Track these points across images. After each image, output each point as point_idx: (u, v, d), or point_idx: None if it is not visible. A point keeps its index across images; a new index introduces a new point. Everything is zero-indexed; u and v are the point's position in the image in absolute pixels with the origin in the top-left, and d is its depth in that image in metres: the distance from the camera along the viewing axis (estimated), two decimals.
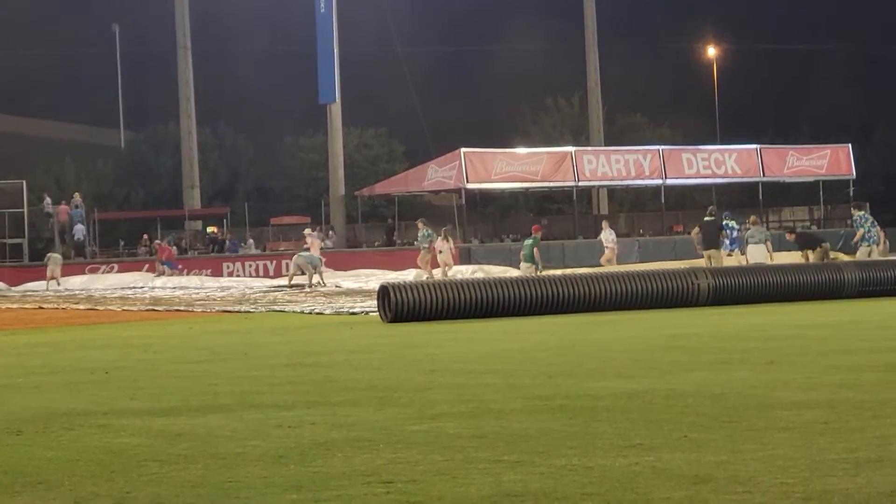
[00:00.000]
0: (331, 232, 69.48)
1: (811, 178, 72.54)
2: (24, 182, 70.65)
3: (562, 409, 13.28)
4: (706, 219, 49.79)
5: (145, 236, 68.28)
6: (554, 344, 22.27)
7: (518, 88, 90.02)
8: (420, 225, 57.78)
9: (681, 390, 14.68)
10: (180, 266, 61.72)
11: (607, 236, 50.95)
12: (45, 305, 48.14)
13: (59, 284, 58.26)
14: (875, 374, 15.62)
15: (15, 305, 50.52)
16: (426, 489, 8.88)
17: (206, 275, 59.83)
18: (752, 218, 53.85)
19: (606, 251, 50.66)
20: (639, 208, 75.12)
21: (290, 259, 54.44)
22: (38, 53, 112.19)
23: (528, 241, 50.36)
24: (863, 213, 50.70)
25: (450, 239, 55.82)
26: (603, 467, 9.53)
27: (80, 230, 68.65)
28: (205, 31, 79.37)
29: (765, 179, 71.84)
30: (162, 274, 61.06)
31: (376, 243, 72.10)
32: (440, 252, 54.85)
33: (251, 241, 67.85)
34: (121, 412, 14.47)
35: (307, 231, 62.69)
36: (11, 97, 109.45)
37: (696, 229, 50.43)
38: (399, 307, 28.85)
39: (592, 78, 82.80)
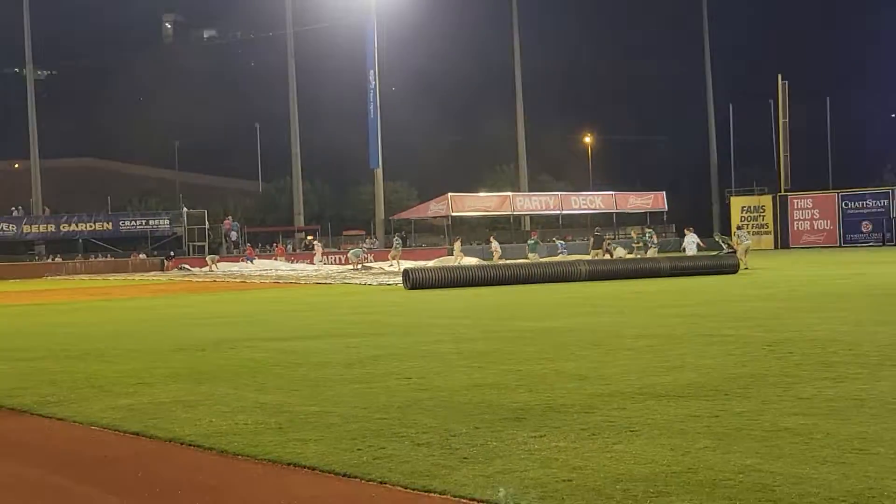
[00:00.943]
0: (374, 239, 68.37)
1: (642, 211, 71.76)
2: (206, 211, 69.23)
3: (505, 337, 13.79)
4: (596, 233, 50.36)
5: (275, 244, 67.01)
6: (502, 301, 22.38)
7: (483, 157, 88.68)
8: (396, 236, 56.47)
9: (570, 327, 14.95)
10: (254, 259, 59.71)
11: (495, 245, 48.97)
12: (217, 279, 47.34)
13: (213, 270, 56.49)
14: (678, 319, 15.59)
15: (198, 280, 49.53)
16: (430, 382, 9.71)
17: (307, 263, 58.27)
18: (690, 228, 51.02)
19: (495, 254, 48.69)
20: (547, 227, 73.82)
21: (351, 252, 52.72)
22: (216, 126, 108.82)
23: (531, 242, 48.86)
24: (651, 230, 51.07)
25: (495, 243, 52.75)
26: (528, 370, 10.27)
27: (233, 234, 67.46)
28: (304, 110, 77.15)
29: (617, 211, 71.02)
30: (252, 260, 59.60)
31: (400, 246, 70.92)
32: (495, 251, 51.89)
33: (316, 242, 65.93)
34: (258, 339, 14.81)
35: (311, 238, 61.38)
36: (199, 160, 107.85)
37: (591, 239, 50.02)
38: (415, 281, 29.17)
39: (522, 155, 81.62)
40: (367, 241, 59.36)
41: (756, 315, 15.91)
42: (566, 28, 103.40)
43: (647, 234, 47.81)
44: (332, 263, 54.34)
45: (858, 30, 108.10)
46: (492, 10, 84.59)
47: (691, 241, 39.72)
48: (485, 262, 43.36)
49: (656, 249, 46.31)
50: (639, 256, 43.39)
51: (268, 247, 66.27)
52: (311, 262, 53.86)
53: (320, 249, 56.23)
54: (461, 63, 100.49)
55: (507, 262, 42.35)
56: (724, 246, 43.99)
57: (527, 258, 44.92)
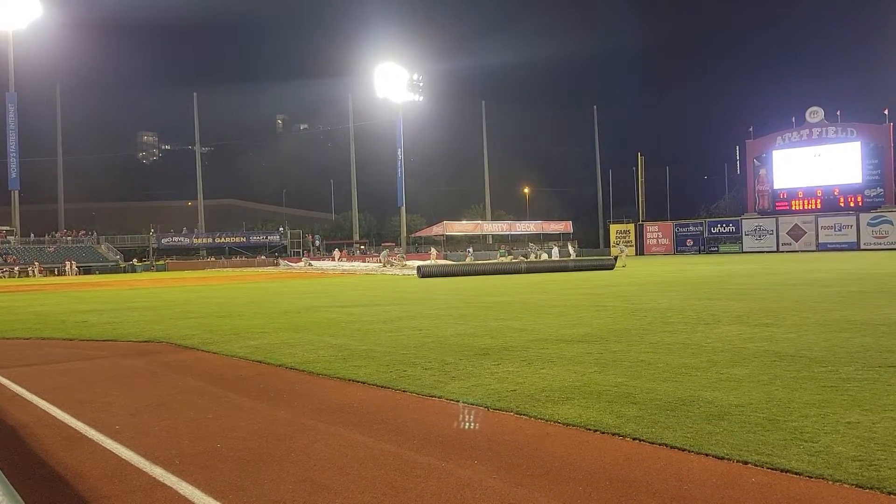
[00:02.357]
0: (398, 249, 67.92)
1: (560, 231, 71.48)
2: (301, 231, 69.22)
3: (478, 306, 13.30)
4: (512, 249, 50.06)
5: (342, 250, 66.22)
6: (476, 285, 21.28)
7: (465, 199, 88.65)
8: (386, 245, 55.49)
9: (515, 300, 14.30)
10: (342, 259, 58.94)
11: (434, 252, 46.31)
12: (306, 270, 46.43)
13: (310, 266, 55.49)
14: (578, 296, 14.17)
15: (295, 270, 48.73)
16: (432, 332, 9.48)
17: (359, 262, 57.26)
18: (560, 243, 49.84)
19: (433, 257, 46.20)
20: (504, 242, 73.47)
21: (382, 255, 51.09)
22: (311, 178, 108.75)
23: (502, 251, 47.60)
24: (539, 245, 50.70)
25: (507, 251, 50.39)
26: (491, 326, 10.01)
27: (317, 242, 66.68)
28: (359, 170, 76.19)
29: (544, 232, 70.77)
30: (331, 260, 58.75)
31: (406, 252, 70.40)
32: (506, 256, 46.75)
33: (336, 251, 64.22)
34: (331, 306, 14.46)
35: (337, 250, 57.06)
36: (297, 200, 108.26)
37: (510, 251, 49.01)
38: (424, 272, 28.56)
39: (487, 198, 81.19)
40: (394, 249, 57.65)
41: (624, 294, 15.68)
42: (512, 126, 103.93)
43: (547, 246, 47.43)
44: (368, 262, 52.69)
45: (687, 122, 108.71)
46: (470, 112, 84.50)
47: (556, 251, 39.92)
48: (430, 262, 41.30)
49: (547, 255, 45.29)
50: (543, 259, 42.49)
51: (329, 251, 65.65)
52: (334, 260, 50.99)
53: (338, 254, 53.80)
54: (452, 143, 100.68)
55: (454, 262, 41.00)
56: (573, 253, 43.68)
57: (496, 259, 44.47)
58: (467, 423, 4.74)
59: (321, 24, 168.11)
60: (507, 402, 5.16)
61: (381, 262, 43.72)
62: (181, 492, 3.54)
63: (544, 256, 39.00)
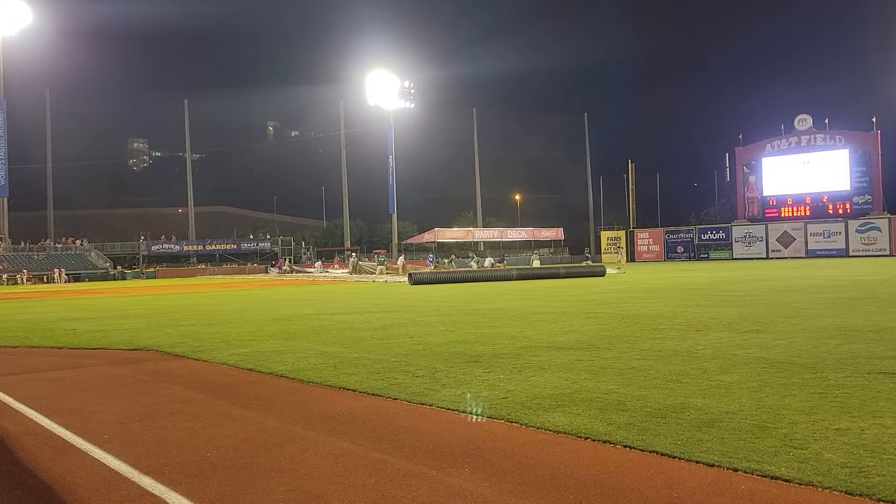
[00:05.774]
0: (381, 255, 67.08)
1: (552, 238, 71.28)
2: (291, 238, 68.85)
3: (469, 313, 13.23)
4: (482, 254, 49.03)
5: (334, 258, 65.73)
6: (467, 292, 21.13)
7: (456, 206, 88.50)
8: (383, 251, 54.09)
9: (506, 307, 14.13)
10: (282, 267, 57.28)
11: (402, 259, 43.71)
12: (297, 278, 46.02)
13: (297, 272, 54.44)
14: (569, 302, 14.15)
15: (285, 277, 48.05)
16: (423, 339, 9.43)
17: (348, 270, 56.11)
18: (496, 256, 48.10)
19: (403, 263, 43.88)
20: (494, 248, 72.81)
21: (350, 261, 46.59)
22: (303, 190, 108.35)
23: (489, 258, 46.51)
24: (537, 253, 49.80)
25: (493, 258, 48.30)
26: (481, 333, 9.97)
27: (303, 244, 66.27)
28: (350, 177, 75.67)
29: (535, 238, 70.50)
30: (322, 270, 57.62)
31: (405, 259, 69.81)
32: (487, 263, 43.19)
33: (318, 262, 62.45)
34: (321, 313, 14.38)
35: (316, 260, 57.67)
36: (288, 207, 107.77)
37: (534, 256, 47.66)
38: (415, 280, 28.37)
39: (478, 206, 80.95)
40: (377, 256, 55.29)
41: (614, 301, 15.65)
42: (503, 133, 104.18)
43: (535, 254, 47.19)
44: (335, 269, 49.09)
45: (677, 130, 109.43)
46: (462, 119, 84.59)
47: (490, 261, 40.29)
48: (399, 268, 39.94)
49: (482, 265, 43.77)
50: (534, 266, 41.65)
51: (319, 258, 65.12)
52: (313, 268, 50.42)
53: (318, 264, 52.78)
54: (444, 150, 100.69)
55: (481, 268, 40.53)
56: (495, 265, 41.71)
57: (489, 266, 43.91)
58: (458, 431, 4.70)
59: (312, 31, 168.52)
60: (498, 409, 5.15)
61: (349, 269, 40.75)
62: (170, 502, 3.52)
63: (483, 265, 39.75)
